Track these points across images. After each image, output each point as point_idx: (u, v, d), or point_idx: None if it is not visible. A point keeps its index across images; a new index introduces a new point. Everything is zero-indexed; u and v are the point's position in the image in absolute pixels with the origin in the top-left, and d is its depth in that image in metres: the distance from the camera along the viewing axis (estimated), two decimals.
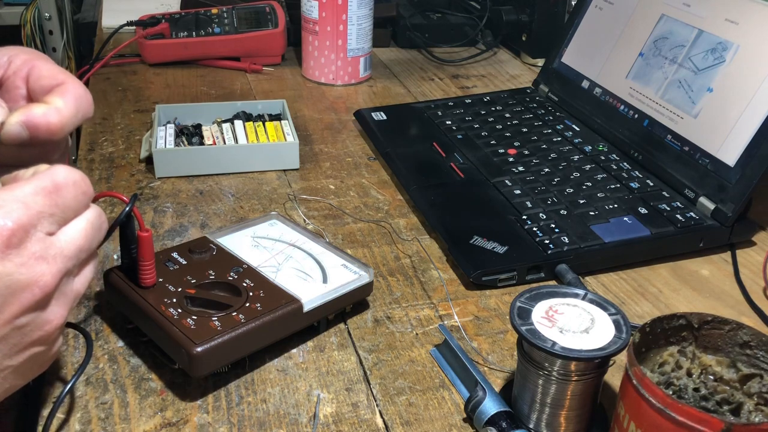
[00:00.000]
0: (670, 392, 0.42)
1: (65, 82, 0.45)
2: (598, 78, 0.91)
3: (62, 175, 0.39)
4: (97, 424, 0.48)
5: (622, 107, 0.85)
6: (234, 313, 0.52)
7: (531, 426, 0.49)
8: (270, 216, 0.67)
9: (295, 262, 0.60)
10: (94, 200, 0.52)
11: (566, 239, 0.66)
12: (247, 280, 0.56)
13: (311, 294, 0.56)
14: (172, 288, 0.55)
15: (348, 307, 0.59)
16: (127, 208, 0.50)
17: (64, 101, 0.44)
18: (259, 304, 0.53)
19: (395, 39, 1.29)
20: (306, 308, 0.54)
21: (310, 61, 1.09)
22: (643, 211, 0.71)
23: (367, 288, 0.59)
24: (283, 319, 0.53)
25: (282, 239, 0.63)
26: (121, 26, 1.14)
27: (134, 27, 1.12)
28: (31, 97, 0.46)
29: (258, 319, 0.52)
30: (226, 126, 0.86)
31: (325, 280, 0.58)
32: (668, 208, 0.71)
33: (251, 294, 0.55)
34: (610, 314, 0.47)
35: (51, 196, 0.38)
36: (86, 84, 1.06)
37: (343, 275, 0.59)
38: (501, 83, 1.14)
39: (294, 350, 0.56)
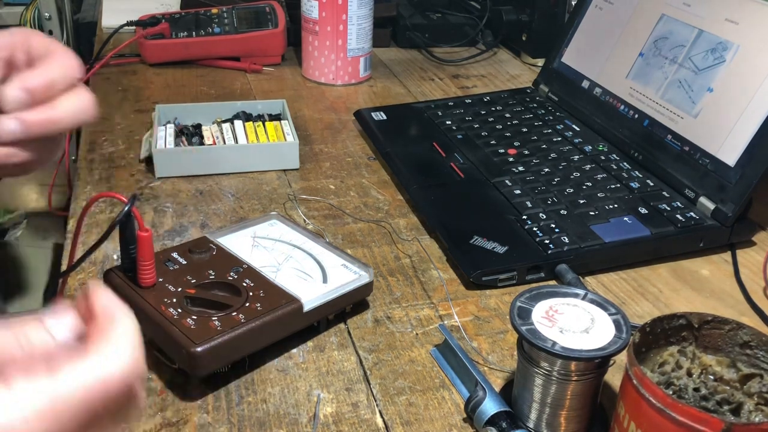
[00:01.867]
0: (670, 392, 0.42)
1: (55, 51, 0.46)
2: (598, 78, 0.91)
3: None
4: None
5: (622, 107, 0.85)
6: (234, 313, 0.52)
7: (531, 426, 0.49)
8: (270, 216, 0.67)
9: (295, 262, 0.60)
10: (92, 201, 0.52)
11: (566, 239, 0.66)
12: (247, 280, 0.56)
13: (311, 294, 0.56)
14: (172, 288, 0.55)
15: (348, 307, 0.59)
16: (126, 208, 0.50)
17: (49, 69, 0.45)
18: (259, 304, 0.53)
19: (395, 39, 1.29)
20: (306, 308, 0.54)
21: (310, 61, 1.09)
22: (643, 211, 0.71)
23: (367, 288, 0.59)
24: (283, 319, 0.53)
25: (282, 239, 0.63)
26: (121, 26, 1.14)
27: (134, 27, 1.12)
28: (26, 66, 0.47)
29: (258, 319, 0.52)
30: (226, 126, 0.86)
31: (325, 280, 0.58)
32: (668, 208, 0.71)
33: (251, 294, 0.55)
34: (610, 314, 0.47)
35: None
36: (86, 84, 1.05)
37: (343, 275, 0.59)
38: (501, 83, 1.14)
39: (294, 350, 0.56)
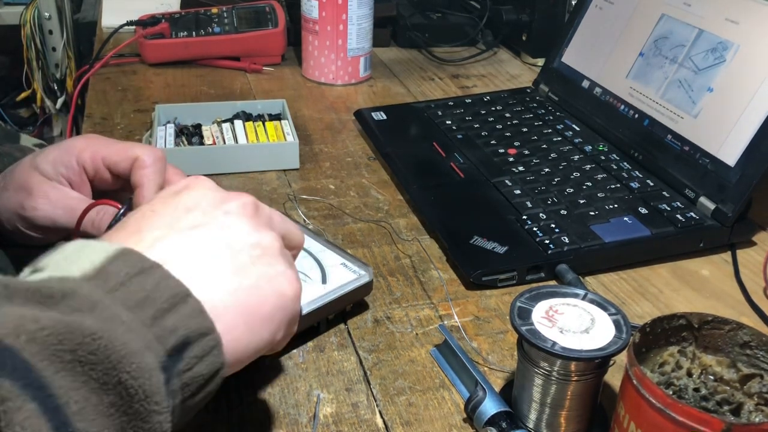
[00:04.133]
0: (670, 392, 0.42)
1: (138, 156, 0.53)
2: (598, 78, 0.91)
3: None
4: None
5: (622, 107, 0.85)
6: None
7: (531, 426, 0.49)
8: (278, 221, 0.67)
9: (295, 262, 0.60)
10: (84, 214, 0.53)
11: (566, 239, 0.66)
12: None
13: (310, 296, 0.55)
14: None
15: (348, 306, 0.59)
16: (121, 212, 0.50)
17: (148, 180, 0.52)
18: None
19: (395, 39, 1.28)
20: (304, 311, 0.54)
21: (310, 60, 1.09)
22: (643, 211, 0.71)
23: (367, 287, 0.59)
24: None
25: None
26: (121, 26, 1.14)
27: (134, 27, 1.12)
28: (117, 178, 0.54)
29: None
30: (226, 126, 0.86)
31: (324, 281, 0.58)
32: (668, 208, 0.71)
33: None
34: (610, 314, 0.47)
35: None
36: (86, 84, 1.06)
37: (343, 275, 0.59)
38: (501, 83, 1.13)
39: (294, 350, 0.56)
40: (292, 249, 0.46)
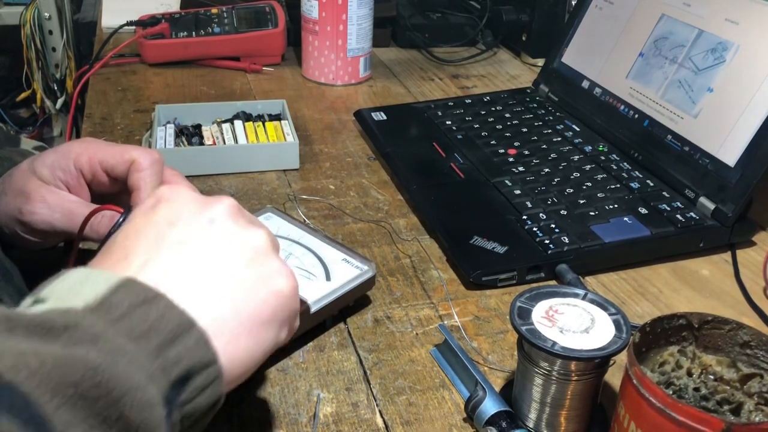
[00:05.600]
0: (671, 392, 0.42)
1: (134, 159, 0.53)
2: (598, 78, 0.91)
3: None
4: None
5: (622, 107, 0.85)
6: None
7: (531, 426, 0.49)
8: (265, 209, 0.67)
9: (296, 260, 0.60)
10: (88, 218, 0.53)
11: (566, 239, 0.66)
12: None
13: (316, 294, 0.55)
14: None
15: (351, 301, 0.59)
16: (121, 219, 0.50)
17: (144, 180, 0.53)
18: None
19: (395, 39, 1.29)
20: (313, 309, 0.54)
21: (310, 61, 1.09)
22: (643, 211, 0.71)
23: (370, 282, 0.59)
24: None
25: (279, 234, 0.63)
26: (121, 26, 1.14)
27: (134, 27, 1.12)
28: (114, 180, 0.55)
29: None
30: (226, 126, 0.86)
31: (328, 278, 0.58)
32: (668, 208, 0.71)
33: None
34: (610, 314, 0.47)
35: None
36: (86, 84, 1.06)
37: (346, 271, 0.59)
38: (501, 83, 1.14)
39: (294, 350, 0.56)
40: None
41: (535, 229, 0.68)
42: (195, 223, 0.40)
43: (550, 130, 0.88)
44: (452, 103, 0.97)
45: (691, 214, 0.70)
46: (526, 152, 0.83)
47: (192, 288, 0.37)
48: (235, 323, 0.37)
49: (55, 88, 1.99)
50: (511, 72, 1.19)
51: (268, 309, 0.39)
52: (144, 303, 0.34)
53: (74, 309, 0.33)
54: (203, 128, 0.86)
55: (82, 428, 0.29)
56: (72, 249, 0.57)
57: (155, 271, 0.37)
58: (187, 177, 0.79)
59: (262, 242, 0.41)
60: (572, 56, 0.97)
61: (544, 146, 0.84)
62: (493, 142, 0.86)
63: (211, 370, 0.35)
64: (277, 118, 0.89)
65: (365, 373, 0.54)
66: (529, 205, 0.72)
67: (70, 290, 0.34)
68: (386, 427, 0.50)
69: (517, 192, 0.74)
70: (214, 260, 0.39)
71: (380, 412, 0.51)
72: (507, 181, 0.76)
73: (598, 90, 0.90)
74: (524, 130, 0.89)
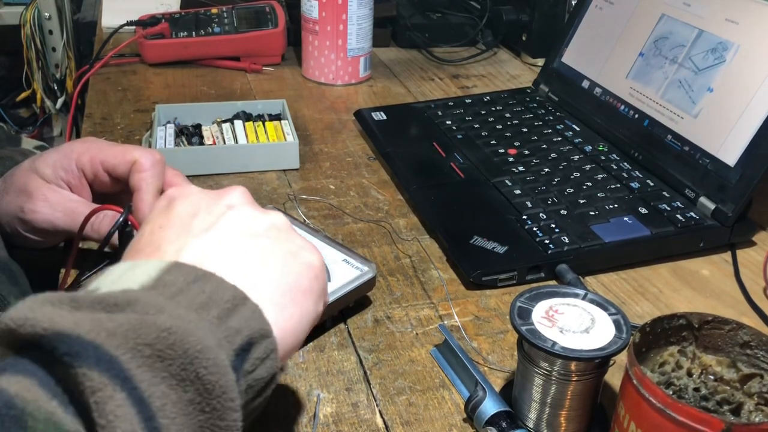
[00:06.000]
0: (671, 392, 0.42)
1: (136, 159, 0.53)
2: (598, 78, 0.91)
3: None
4: None
5: (622, 107, 0.85)
6: None
7: (531, 426, 0.49)
8: (265, 209, 0.66)
9: None
10: (88, 218, 0.53)
11: (566, 239, 0.66)
12: None
13: None
14: None
15: (351, 302, 0.59)
16: (121, 219, 0.50)
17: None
18: None
19: (395, 39, 1.28)
20: None
21: (310, 61, 1.09)
22: (644, 211, 0.71)
23: (370, 283, 0.59)
24: None
25: None
26: (121, 26, 1.14)
27: (134, 27, 1.12)
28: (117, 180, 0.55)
29: None
30: (226, 126, 0.86)
31: (328, 279, 0.58)
32: (668, 208, 0.71)
33: None
34: (610, 314, 0.47)
35: None
36: (86, 84, 1.06)
37: (347, 272, 0.59)
38: (501, 83, 1.13)
39: None
40: None
41: (535, 229, 0.68)
42: (216, 210, 0.41)
43: (550, 130, 0.88)
44: (452, 103, 0.97)
45: (691, 214, 0.70)
46: (526, 152, 0.83)
47: (230, 268, 0.38)
48: (278, 296, 0.38)
49: (55, 88, 1.99)
50: (511, 72, 1.19)
51: (305, 280, 0.40)
52: (197, 280, 0.35)
53: (131, 289, 0.34)
54: (203, 128, 0.86)
55: (161, 389, 0.30)
56: (72, 248, 0.57)
57: (191, 256, 0.38)
58: (187, 177, 0.79)
59: (281, 221, 0.42)
60: (572, 56, 0.97)
61: (544, 146, 0.84)
62: (493, 141, 0.86)
63: (268, 342, 0.35)
64: (277, 118, 0.89)
65: (365, 373, 0.54)
66: (529, 205, 0.72)
67: (121, 277, 0.35)
68: (386, 427, 0.50)
69: (517, 192, 0.74)
70: (243, 241, 0.40)
71: (380, 412, 0.51)
72: (507, 181, 0.76)
73: (598, 90, 0.90)
74: (524, 129, 0.89)
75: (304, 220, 0.73)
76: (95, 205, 0.54)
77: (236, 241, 0.39)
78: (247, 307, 0.35)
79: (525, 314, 0.47)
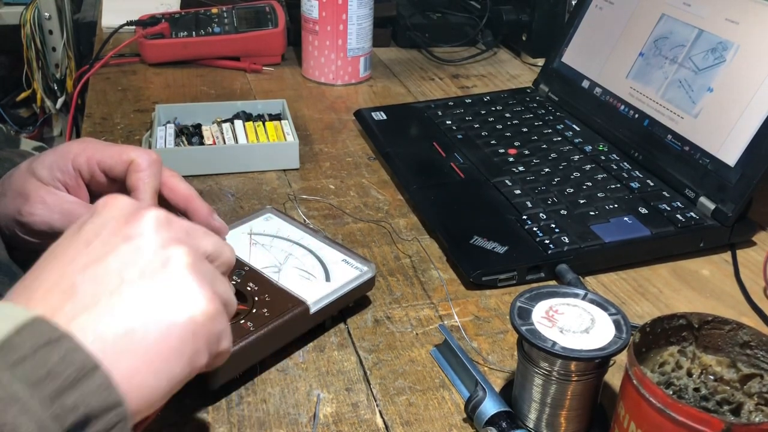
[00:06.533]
0: (671, 392, 0.42)
1: (132, 160, 0.52)
2: (598, 78, 0.91)
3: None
4: None
5: (622, 107, 0.85)
6: (242, 321, 0.52)
7: (531, 426, 0.49)
8: (265, 210, 0.67)
9: (296, 260, 0.60)
10: None
11: (566, 239, 0.66)
12: (251, 284, 0.56)
13: (316, 294, 0.55)
14: None
15: (350, 302, 0.59)
16: None
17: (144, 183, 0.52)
18: (266, 310, 0.53)
19: (395, 39, 1.28)
20: (312, 309, 0.54)
21: (310, 60, 1.09)
22: (644, 211, 0.71)
23: (370, 283, 0.59)
24: (291, 323, 0.53)
25: (279, 235, 0.63)
26: (121, 26, 1.14)
27: (134, 27, 1.12)
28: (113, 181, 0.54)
29: (267, 326, 0.52)
30: (226, 126, 0.86)
31: (328, 278, 0.58)
32: (668, 208, 0.71)
33: (257, 299, 0.54)
34: (610, 314, 0.47)
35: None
36: (86, 84, 1.06)
37: (346, 272, 0.59)
38: (501, 83, 1.14)
39: (294, 350, 0.56)
40: (220, 265, 0.43)
41: (535, 229, 0.68)
42: (111, 241, 0.38)
43: (550, 130, 0.88)
44: (452, 103, 0.97)
45: (691, 214, 0.70)
46: (526, 152, 0.83)
47: (85, 314, 0.35)
48: (131, 357, 0.35)
49: (55, 88, 1.99)
50: (511, 72, 1.19)
51: (173, 339, 0.37)
52: (47, 344, 0.33)
53: None
54: (203, 128, 0.86)
55: None
56: None
57: (60, 299, 0.35)
58: (187, 177, 0.80)
59: (181, 259, 0.39)
60: (572, 56, 0.97)
61: (544, 146, 0.84)
62: (493, 141, 0.86)
63: (113, 415, 0.33)
64: (277, 117, 0.89)
65: (365, 373, 0.54)
66: (529, 205, 0.72)
67: None
68: (386, 427, 0.50)
69: (517, 192, 0.74)
70: (116, 285, 0.37)
71: (380, 412, 0.51)
72: (507, 181, 0.76)
73: (598, 90, 0.90)
74: (524, 129, 0.89)
75: (304, 220, 0.73)
76: (92, 206, 0.54)
77: (108, 286, 0.36)
78: (93, 380, 0.33)
79: (525, 314, 0.47)
